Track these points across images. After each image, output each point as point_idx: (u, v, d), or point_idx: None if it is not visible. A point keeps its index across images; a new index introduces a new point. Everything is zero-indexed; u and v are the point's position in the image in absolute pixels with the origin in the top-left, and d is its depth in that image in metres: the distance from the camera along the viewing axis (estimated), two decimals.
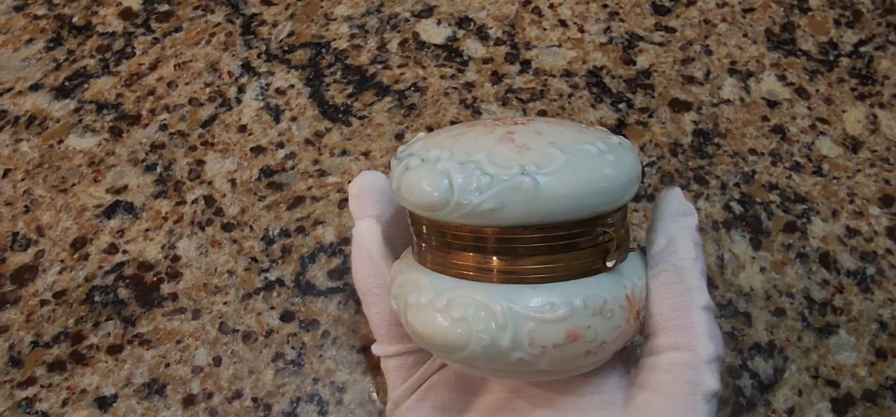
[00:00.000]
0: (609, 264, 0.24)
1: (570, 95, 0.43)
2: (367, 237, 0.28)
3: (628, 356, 0.28)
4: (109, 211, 0.39)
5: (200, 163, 0.40)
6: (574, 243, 0.24)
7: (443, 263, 0.25)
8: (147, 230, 0.38)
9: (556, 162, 0.23)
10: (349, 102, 0.42)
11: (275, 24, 0.46)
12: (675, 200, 0.26)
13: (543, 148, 0.23)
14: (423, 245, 0.26)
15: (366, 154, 0.41)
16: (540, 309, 0.23)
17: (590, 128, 0.26)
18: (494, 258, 0.24)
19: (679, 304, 0.24)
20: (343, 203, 0.39)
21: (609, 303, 0.24)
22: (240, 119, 0.42)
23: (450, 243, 0.24)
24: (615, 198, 0.24)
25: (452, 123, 0.41)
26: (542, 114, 0.42)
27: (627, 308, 0.25)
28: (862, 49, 0.45)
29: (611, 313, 0.24)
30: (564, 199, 0.23)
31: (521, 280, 0.24)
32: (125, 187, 0.40)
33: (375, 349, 0.29)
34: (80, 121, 0.42)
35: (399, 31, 0.46)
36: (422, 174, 0.24)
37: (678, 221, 0.26)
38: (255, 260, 0.37)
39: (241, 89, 0.43)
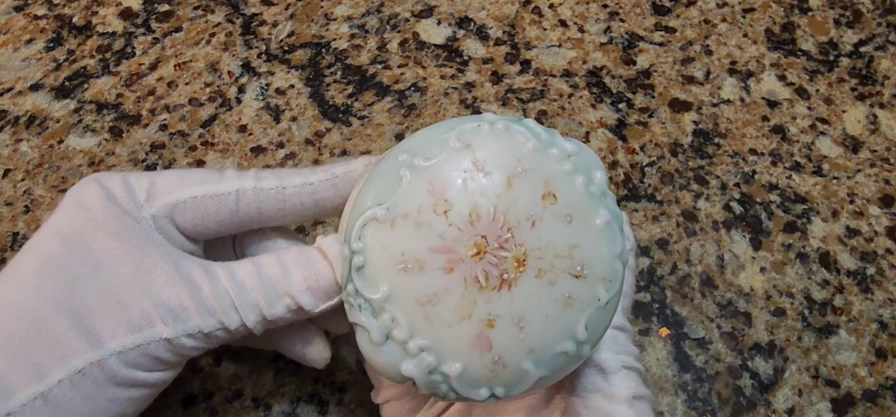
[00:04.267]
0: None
1: (570, 95, 0.43)
2: None
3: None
4: None
5: (201, 163, 0.40)
6: None
7: None
8: None
9: (527, 381, 0.22)
10: (349, 102, 0.42)
11: (275, 24, 0.46)
12: None
13: (519, 360, 0.22)
14: None
15: (366, 154, 0.41)
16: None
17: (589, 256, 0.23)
18: None
19: None
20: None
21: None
22: (240, 119, 0.42)
23: None
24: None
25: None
26: (542, 114, 0.42)
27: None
28: (862, 49, 0.45)
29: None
30: (529, 395, 0.24)
31: None
32: None
33: (374, 396, 0.30)
34: (81, 121, 0.42)
35: (399, 31, 0.46)
36: (384, 362, 0.23)
37: None
38: None
39: (242, 89, 0.43)
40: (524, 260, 0.22)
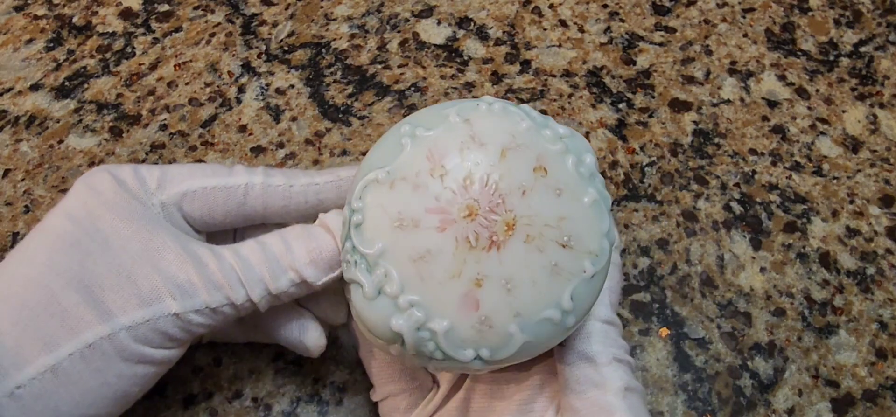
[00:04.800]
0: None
1: (570, 95, 0.43)
2: None
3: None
4: None
5: (201, 163, 0.40)
6: None
7: None
8: None
9: (512, 345, 0.23)
10: (349, 102, 0.42)
11: (275, 24, 0.46)
12: None
13: (505, 321, 0.23)
14: None
15: (366, 154, 0.41)
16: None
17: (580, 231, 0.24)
18: None
19: None
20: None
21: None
22: (240, 119, 0.42)
23: None
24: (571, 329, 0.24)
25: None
26: (542, 114, 0.42)
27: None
28: (862, 49, 0.45)
29: None
30: (515, 363, 0.24)
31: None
32: None
33: (373, 394, 0.31)
34: (81, 121, 0.42)
35: (399, 31, 0.46)
36: (374, 318, 0.23)
37: None
38: None
39: (242, 89, 0.43)
40: (513, 225, 0.23)
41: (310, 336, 0.29)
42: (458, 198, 0.23)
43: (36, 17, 0.47)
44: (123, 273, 0.24)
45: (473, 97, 0.43)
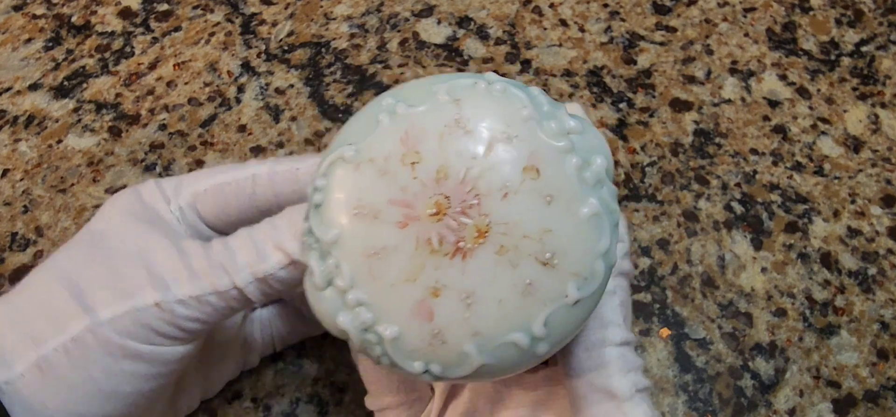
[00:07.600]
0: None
1: (570, 95, 0.42)
2: None
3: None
4: None
5: (200, 163, 0.40)
6: None
7: None
8: None
9: (467, 365, 0.21)
10: (349, 102, 0.42)
11: (274, 24, 0.46)
12: None
13: (460, 339, 0.20)
14: None
15: None
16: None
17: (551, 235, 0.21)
18: None
19: (591, 342, 0.24)
20: None
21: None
22: (239, 119, 0.42)
23: None
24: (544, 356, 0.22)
25: None
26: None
27: None
28: (863, 48, 0.45)
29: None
30: (476, 382, 0.22)
31: None
32: (124, 187, 0.40)
33: (368, 402, 0.30)
34: (79, 120, 0.42)
35: (399, 31, 0.45)
36: (322, 309, 0.22)
37: None
38: None
39: (241, 89, 0.43)
40: (486, 232, 0.20)
41: None
42: (427, 191, 0.21)
43: (35, 17, 0.47)
44: (112, 269, 0.24)
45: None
